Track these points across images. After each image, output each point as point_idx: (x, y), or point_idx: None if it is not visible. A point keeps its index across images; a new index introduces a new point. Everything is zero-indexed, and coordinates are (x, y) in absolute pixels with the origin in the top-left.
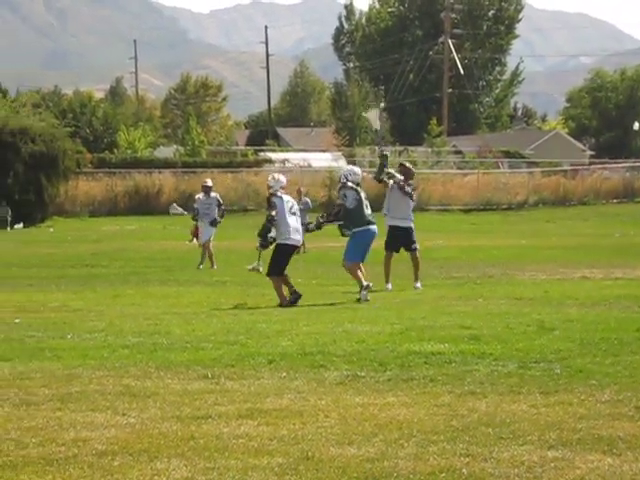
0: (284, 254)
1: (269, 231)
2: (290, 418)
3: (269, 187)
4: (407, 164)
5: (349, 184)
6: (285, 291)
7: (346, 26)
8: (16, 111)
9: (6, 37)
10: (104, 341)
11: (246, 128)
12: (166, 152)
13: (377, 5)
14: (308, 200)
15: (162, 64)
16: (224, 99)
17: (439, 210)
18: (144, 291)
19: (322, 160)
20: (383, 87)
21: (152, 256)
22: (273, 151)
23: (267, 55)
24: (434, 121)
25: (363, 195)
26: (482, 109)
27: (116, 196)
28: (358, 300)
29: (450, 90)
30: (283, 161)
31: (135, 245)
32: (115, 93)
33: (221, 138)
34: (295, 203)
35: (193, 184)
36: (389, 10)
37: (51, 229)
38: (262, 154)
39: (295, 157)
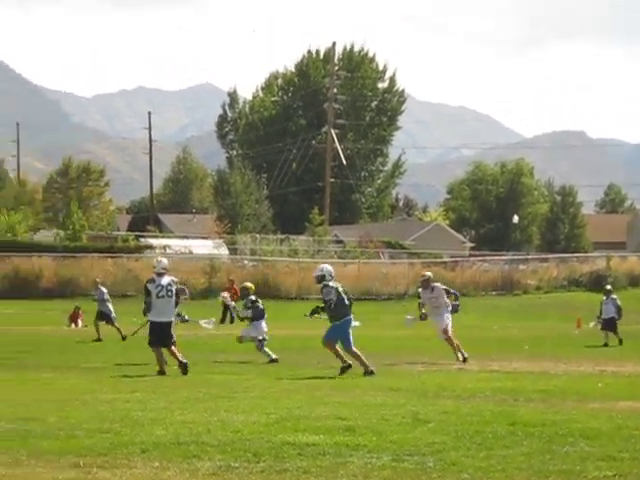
0: (154, 330)
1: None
2: None
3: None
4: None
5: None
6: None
7: (230, 114)
8: None
9: None
10: None
11: (128, 213)
12: (47, 236)
13: (261, 94)
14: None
15: (44, 147)
16: (106, 184)
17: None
18: (20, 376)
19: (203, 247)
20: (266, 175)
21: (28, 340)
22: (155, 237)
23: (150, 141)
24: (316, 210)
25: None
26: (364, 199)
27: None
28: (365, 374)
29: (332, 180)
30: (164, 247)
31: (12, 329)
32: None
33: (102, 223)
34: (164, 287)
35: (73, 269)
36: (273, 99)
37: None
38: (143, 240)
39: (176, 243)
